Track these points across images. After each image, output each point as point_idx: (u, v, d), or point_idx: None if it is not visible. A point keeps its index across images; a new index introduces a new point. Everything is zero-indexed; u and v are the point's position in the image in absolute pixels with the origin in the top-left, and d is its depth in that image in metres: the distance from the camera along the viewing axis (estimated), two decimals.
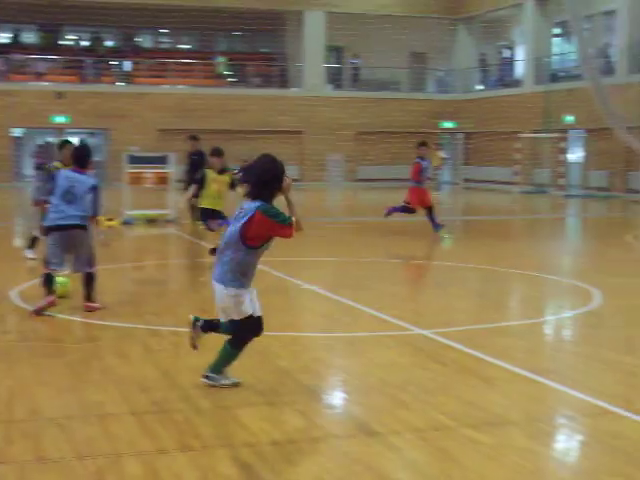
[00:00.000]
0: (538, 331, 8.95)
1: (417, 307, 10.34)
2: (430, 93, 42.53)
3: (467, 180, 39.75)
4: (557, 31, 39.57)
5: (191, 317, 6.63)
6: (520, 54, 40.25)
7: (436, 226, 17.35)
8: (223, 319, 6.42)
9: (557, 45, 39.79)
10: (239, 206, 6.34)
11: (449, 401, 6.14)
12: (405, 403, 6.08)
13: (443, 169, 37.24)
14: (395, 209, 18.08)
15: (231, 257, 6.20)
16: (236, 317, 6.26)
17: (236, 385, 6.41)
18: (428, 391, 6.40)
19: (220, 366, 6.42)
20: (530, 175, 36.74)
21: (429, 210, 17.49)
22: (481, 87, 42.29)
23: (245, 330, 6.34)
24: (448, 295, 10.89)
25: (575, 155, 35.54)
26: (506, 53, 42.27)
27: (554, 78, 37.72)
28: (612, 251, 15.90)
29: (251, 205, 6.18)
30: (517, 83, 39.34)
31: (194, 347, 6.61)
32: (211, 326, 6.56)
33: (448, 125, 40.96)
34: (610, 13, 35.44)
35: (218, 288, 6.27)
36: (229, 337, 6.41)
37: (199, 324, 6.54)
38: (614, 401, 6.13)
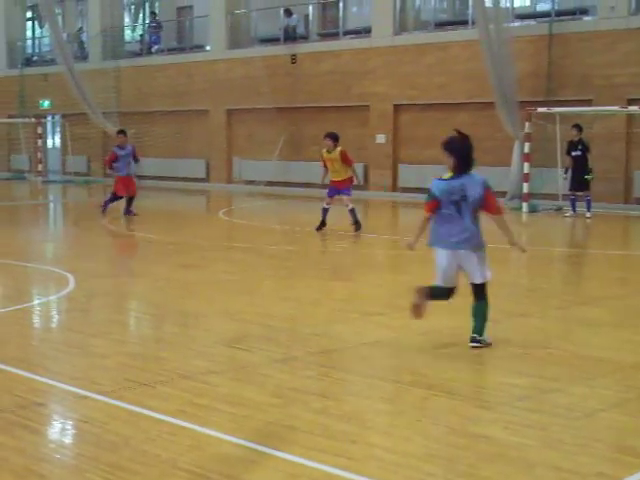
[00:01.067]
0: (8, 320, 8.60)
1: None
2: None
3: None
4: (30, 15, 38.84)
5: (421, 286, 7.17)
6: None
7: None
8: (446, 284, 7.18)
9: (30, 29, 39.08)
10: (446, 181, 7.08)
11: None
12: None
13: None
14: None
15: (472, 223, 7.01)
16: (481, 280, 7.15)
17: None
18: None
19: (483, 326, 7.17)
20: (7, 161, 35.66)
21: None
22: None
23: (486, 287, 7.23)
24: None
25: (53, 140, 35.25)
26: None
27: (28, 62, 37.01)
28: (88, 236, 16.02)
29: (474, 179, 7.04)
30: None
31: (420, 316, 7.22)
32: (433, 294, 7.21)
33: None
34: None
35: (462, 253, 7.05)
36: (477, 297, 7.17)
37: (426, 292, 7.11)
38: (85, 385, 6.06)
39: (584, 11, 23.25)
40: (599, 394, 5.94)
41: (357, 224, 15.57)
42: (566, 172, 19.53)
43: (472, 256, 7.12)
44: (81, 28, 36.63)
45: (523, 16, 24.58)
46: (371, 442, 4.93)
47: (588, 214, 18.90)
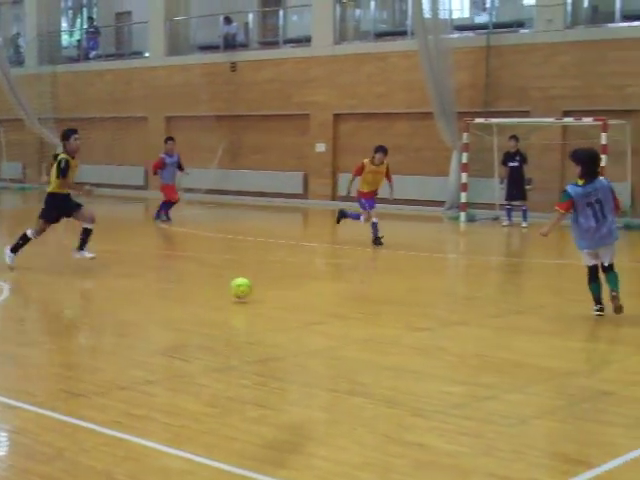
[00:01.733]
0: None
1: None
2: None
3: None
4: None
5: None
6: None
7: None
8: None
9: None
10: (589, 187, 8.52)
11: None
12: None
13: None
14: None
15: (613, 220, 8.66)
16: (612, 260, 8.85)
17: None
18: None
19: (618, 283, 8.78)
20: None
21: None
22: None
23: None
24: None
25: None
26: None
27: None
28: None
29: (602, 183, 8.64)
30: None
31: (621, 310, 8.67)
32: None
33: None
34: (19, 2, 35.16)
35: (612, 242, 8.80)
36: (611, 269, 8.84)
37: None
38: (17, 395, 5.95)
39: (521, 24, 23.63)
40: (533, 401, 6.03)
41: (377, 240, 15.14)
42: (502, 182, 19.81)
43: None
44: (18, 33, 36.09)
45: (461, 28, 24.87)
46: (308, 451, 4.93)
47: (524, 224, 19.12)
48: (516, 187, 19.30)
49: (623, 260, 15.49)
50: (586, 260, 8.99)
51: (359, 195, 15.41)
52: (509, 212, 19.64)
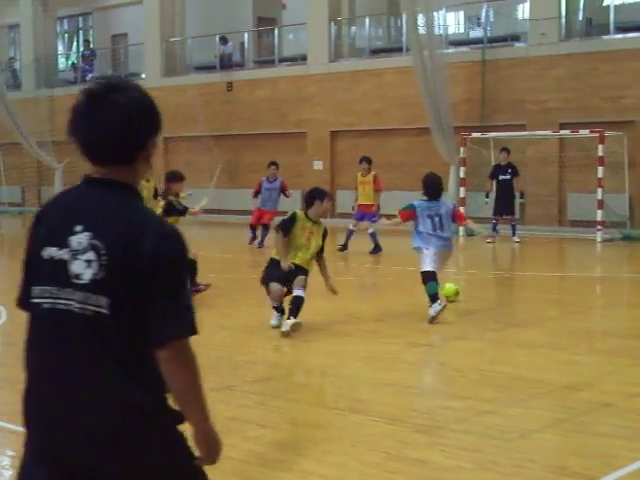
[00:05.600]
0: None
1: None
2: None
3: None
4: None
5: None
6: None
7: None
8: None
9: None
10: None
11: None
12: None
13: None
14: None
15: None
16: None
17: None
18: None
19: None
20: None
21: None
22: None
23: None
24: None
25: None
26: None
27: None
28: None
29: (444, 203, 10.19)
30: None
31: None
32: None
33: None
34: (14, 27, 35.31)
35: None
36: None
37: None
38: (16, 420, 5.92)
39: (516, 38, 23.73)
40: (533, 415, 6.02)
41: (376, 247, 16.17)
42: (487, 196, 19.59)
43: None
44: (13, 57, 36.23)
45: (456, 43, 24.98)
46: (306, 469, 4.92)
47: (515, 238, 18.90)
48: (504, 201, 18.90)
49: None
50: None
51: (357, 207, 16.13)
52: (495, 226, 19.12)
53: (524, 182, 19.42)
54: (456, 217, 10.20)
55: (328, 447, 5.38)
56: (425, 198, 9.97)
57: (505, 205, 18.99)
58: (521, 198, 19.40)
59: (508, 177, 19.02)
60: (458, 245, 19.58)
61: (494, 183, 19.25)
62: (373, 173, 15.90)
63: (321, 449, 5.35)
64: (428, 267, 9.58)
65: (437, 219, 9.75)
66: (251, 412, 6.16)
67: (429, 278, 9.52)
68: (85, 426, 2.55)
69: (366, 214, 15.76)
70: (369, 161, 16.02)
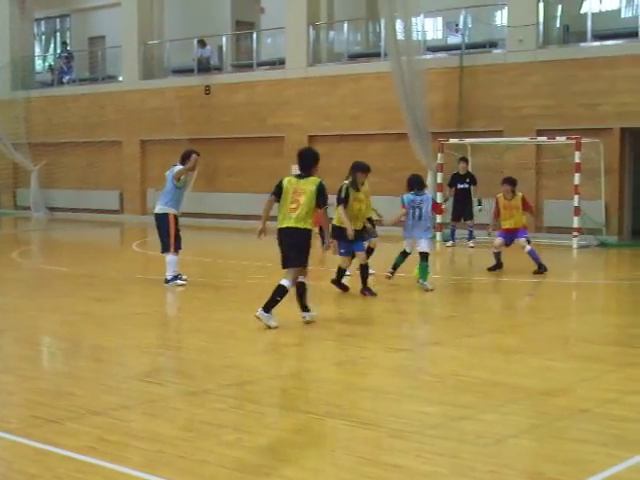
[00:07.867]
0: None
1: None
2: None
3: None
4: None
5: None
6: None
7: None
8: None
9: None
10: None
11: None
12: None
13: None
14: None
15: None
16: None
17: None
18: None
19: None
20: None
21: None
22: None
23: None
24: None
25: None
26: None
27: None
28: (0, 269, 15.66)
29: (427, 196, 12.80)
30: None
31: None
32: None
33: None
34: None
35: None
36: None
37: None
38: None
39: (494, 44, 23.82)
40: (510, 420, 6.02)
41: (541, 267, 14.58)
42: (445, 201, 20.23)
43: None
44: None
45: (434, 49, 25.04)
46: (283, 474, 4.89)
47: (471, 243, 19.57)
48: (463, 208, 19.76)
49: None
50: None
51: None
52: (453, 232, 20.19)
53: (476, 190, 19.83)
54: (434, 208, 13.03)
55: (305, 452, 5.36)
56: (412, 192, 12.50)
57: (463, 210, 19.83)
58: (479, 205, 19.79)
59: (466, 186, 19.85)
60: (435, 250, 19.64)
61: (452, 190, 20.08)
62: (521, 194, 14.91)
63: (298, 454, 5.33)
64: (407, 249, 12.58)
65: (417, 211, 12.36)
66: (227, 416, 6.12)
67: (404, 255, 12.59)
68: None
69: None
70: (513, 183, 14.91)
